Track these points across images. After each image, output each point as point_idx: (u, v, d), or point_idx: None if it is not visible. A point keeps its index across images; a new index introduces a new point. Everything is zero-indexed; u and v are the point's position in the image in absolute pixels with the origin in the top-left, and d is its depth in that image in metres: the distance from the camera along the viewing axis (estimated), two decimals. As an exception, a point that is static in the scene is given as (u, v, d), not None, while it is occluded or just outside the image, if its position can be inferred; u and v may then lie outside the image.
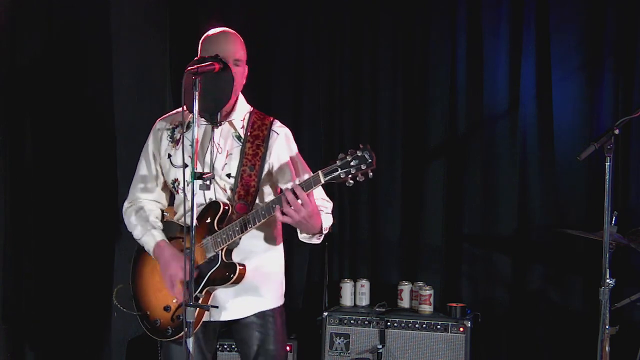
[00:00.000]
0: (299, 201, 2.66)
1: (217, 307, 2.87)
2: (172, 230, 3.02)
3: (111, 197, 4.39)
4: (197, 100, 2.63)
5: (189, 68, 2.67)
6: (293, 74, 4.97)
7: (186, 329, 2.59)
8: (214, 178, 2.84)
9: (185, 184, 2.64)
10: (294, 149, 3.02)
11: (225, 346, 4.17)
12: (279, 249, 3.07)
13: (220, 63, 2.76)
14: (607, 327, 3.22)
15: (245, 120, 2.99)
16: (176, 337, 2.89)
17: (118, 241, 4.43)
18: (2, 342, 3.80)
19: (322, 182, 2.65)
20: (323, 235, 2.87)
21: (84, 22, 4.25)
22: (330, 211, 2.96)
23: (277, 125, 3.01)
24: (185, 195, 2.66)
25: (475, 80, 4.69)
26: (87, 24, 4.27)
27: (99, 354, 4.38)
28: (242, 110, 3.01)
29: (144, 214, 3.03)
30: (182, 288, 2.72)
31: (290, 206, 2.66)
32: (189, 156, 2.72)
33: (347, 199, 4.93)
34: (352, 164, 2.62)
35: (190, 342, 2.61)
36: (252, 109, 3.05)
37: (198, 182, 2.63)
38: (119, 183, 4.41)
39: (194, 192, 2.65)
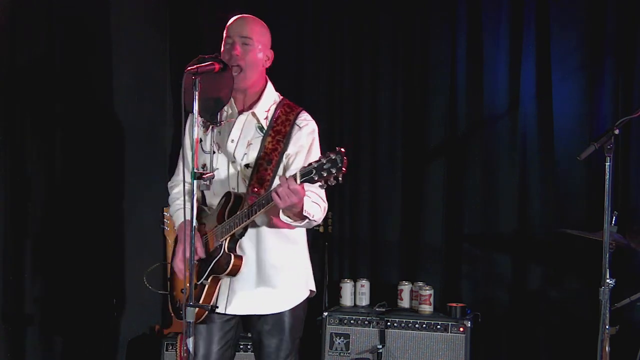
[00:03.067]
0: (290, 189, 2.63)
1: (217, 306, 2.88)
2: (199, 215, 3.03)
3: (111, 196, 4.39)
4: (197, 100, 2.64)
5: (189, 68, 2.67)
6: (293, 74, 4.97)
7: (186, 328, 2.61)
8: (214, 178, 2.84)
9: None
10: (313, 142, 2.96)
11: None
12: (297, 240, 3.04)
13: (220, 63, 2.75)
14: (607, 327, 3.22)
15: (270, 112, 2.96)
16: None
17: (119, 240, 4.44)
18: (2, 342, 3.80)
19: (298, 182, 2.63)
20: (304, 221, 2.82)
21: (84, 22, 4.25)
22: (319, 202, 2.89)
23: (302, 119, 2.97)
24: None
25: (475, 80, 4.68)
26: (87, 24, 4.27)
27: (99, 354, 4.38)
28: (267, 101, 2.98)
29: (177, 194, 3.16)
30: (184, 266, 2.81)
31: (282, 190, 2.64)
32: (216, 142, 2.81)
33: (347, 199, 4.94)
34: (324, 167, 2.58)
35: (191, 342, 2.62)
36: (280, 99, 3.02)
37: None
38: (119, 183, 4.41)
39: (194, 193, 2.66)
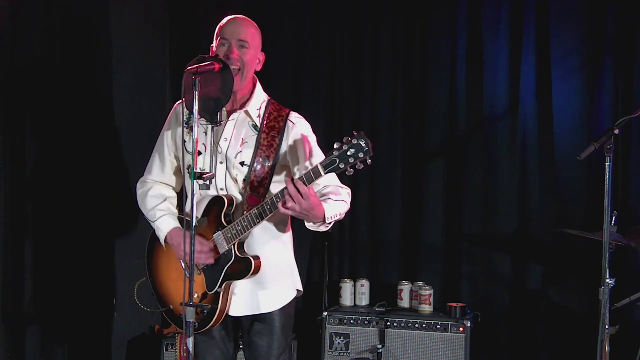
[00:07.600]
0: (300, 194, 2.66)
1: (216, 307, 2.87)
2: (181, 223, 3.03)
3: (111, 196, 4.39)
4: (197, 100, 2.64)
5: (189, 68, 2.67)
6: (293, 74, 4.97)
7: (186, 328, 2.62)
8: (214, 178, 2.84)
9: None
10: (310, 137, 2.97)
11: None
12: (287, 242, 3.05)
13: (220, 63, 2.76)
14: (607, 327, 3.22)
15: (262, 110, 2.98)
16: (203, 330, 2.92)
17: (119, 241, 4.44)
18: (2, 342, 3.80)
19: (323, 174, 2.66)
20: (331, 224, 2.85)
21: (84, 22, 4.25)
22: (344, 198, 2.90)
23: (295, 117, 3.00)
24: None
25: (475, 80, 4.68)
26: (87, 24, 4.27)
27: (99, 354, 4.37)
28: (258, 99, 3.00)
29: (156, 198, 3.06)
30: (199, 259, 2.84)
31: (293, 199, 2.67)
32: (203, 144, 2.81)
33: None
34: (349, 153, 2.62)
35: (191, 342, 2.62)
36: (268, 98, 3.04)
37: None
38: (119, 183, 4.41)
39: (194, 193, 2.65)
